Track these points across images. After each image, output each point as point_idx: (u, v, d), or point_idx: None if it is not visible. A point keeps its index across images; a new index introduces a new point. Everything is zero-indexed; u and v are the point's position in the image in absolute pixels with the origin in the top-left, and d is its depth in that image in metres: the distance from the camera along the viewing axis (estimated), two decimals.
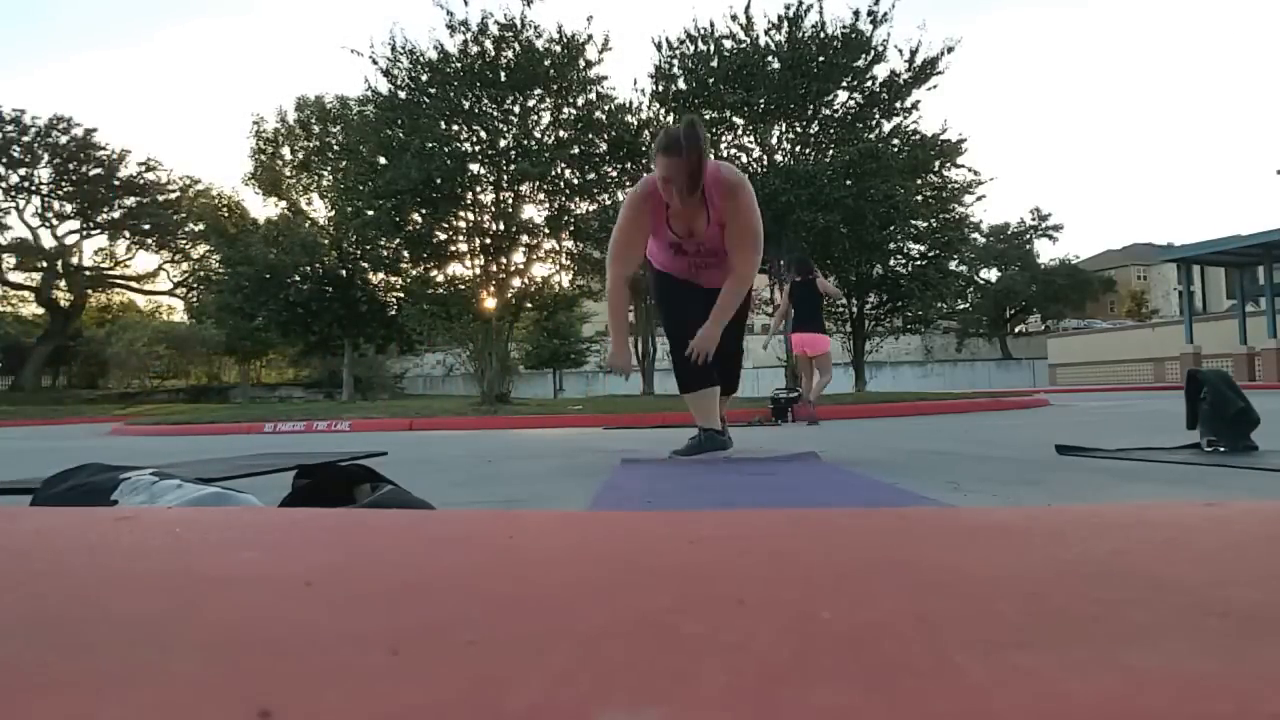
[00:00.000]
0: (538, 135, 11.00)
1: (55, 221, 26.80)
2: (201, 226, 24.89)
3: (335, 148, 16.95)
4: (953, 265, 14.86)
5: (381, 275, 18.39)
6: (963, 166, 12.82)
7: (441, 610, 0.42)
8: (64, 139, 25.12)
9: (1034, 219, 38.56)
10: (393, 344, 21.64)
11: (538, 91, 10.89)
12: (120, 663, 0.33)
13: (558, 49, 10.62)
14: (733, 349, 2.92)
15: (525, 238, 11.50)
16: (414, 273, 12.49)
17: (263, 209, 26.23)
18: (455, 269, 11.71)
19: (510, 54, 10.54)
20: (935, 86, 11.38)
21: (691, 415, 2.85)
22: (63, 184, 25.87)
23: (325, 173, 20.95)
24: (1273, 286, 18.37)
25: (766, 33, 11.42)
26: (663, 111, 11.72)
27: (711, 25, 11.63)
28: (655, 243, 2.75)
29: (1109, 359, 26.69)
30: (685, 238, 2.66)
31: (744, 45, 11.42)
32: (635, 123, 11.44)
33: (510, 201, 11.12)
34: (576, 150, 10.82)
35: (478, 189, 11.10)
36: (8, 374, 27.04)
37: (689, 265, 2.76)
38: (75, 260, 27.74)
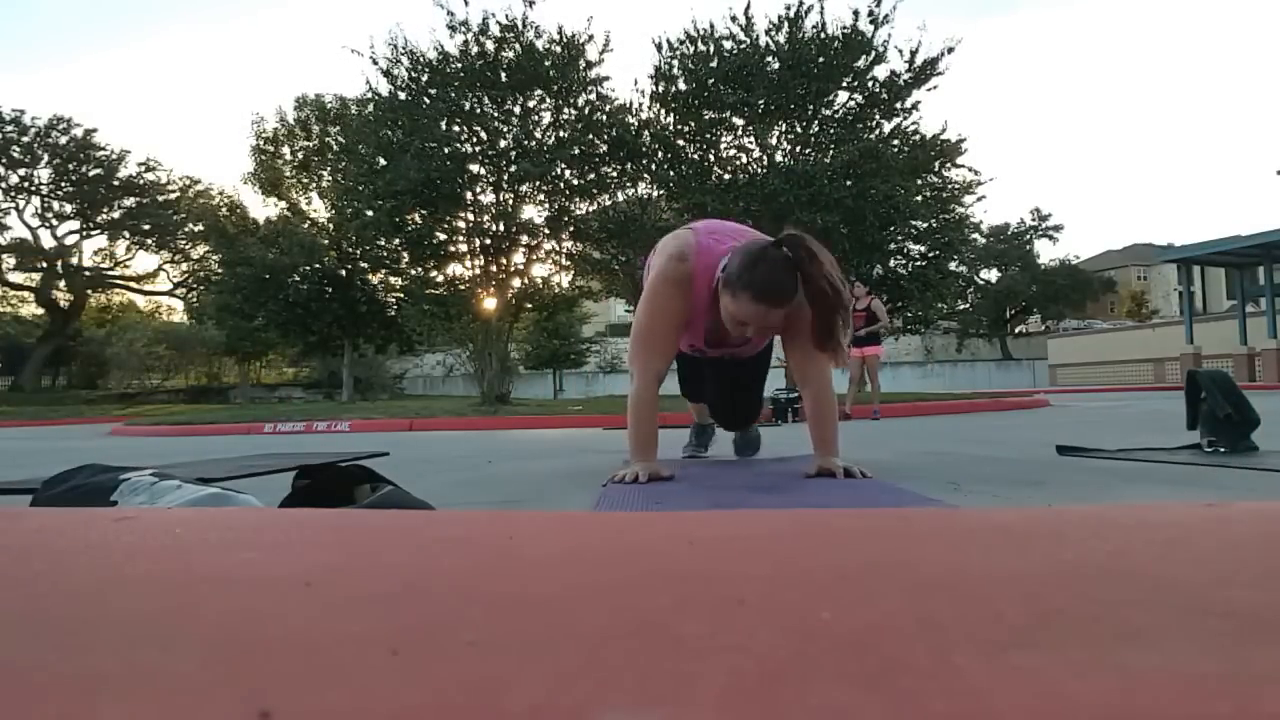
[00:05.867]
0: (538, 136, 10.99)
1: (55, 222, 26.83)
2: (201, 227, 24.88)
3: (335, 148, 16.96)
4: (953, 266, 14.83)
5: (381, 275, 18.40)
6: (963, 166, 12.81)
7: (441, 610, 0.42)
8: (64, 139, 25.13)
9: (1034, 219, 38.56)
10: (393, 344, 21.60)
11: (538, 92, 10.89)
12: (120, 663, 0.33)
13: (558, 50, 10.62)
14: (755, 395, 2.68)
15: (525, 238, 11.51)
16: (414, 273, 12.49)
17: (263, 209, 26.24)
18: (455, 269, 11.71)
19: (511, 54, 10.55)
20: (935, 87, 11.37)
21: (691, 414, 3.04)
22: (63, 184, 25.87)
23: (325, 173, 20.93)
24: (1273, 287, 18.37)
25: (766, 33, 11.41)
26: (663, 112, 11.72)
27: (711, 26, 11.62)
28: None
29: (1109, 359, 26.69)
30: (714, 346, 2.20)
31: (744, 45, 11.41)
32: (636, 123, 11.44)
33: (510, 202, 11.12)
34: (577, 151, 10.81)
35: (478, 189, 11.11)
36: (8, 374, 27.05)
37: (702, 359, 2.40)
38: (75, 260, 27.76)
